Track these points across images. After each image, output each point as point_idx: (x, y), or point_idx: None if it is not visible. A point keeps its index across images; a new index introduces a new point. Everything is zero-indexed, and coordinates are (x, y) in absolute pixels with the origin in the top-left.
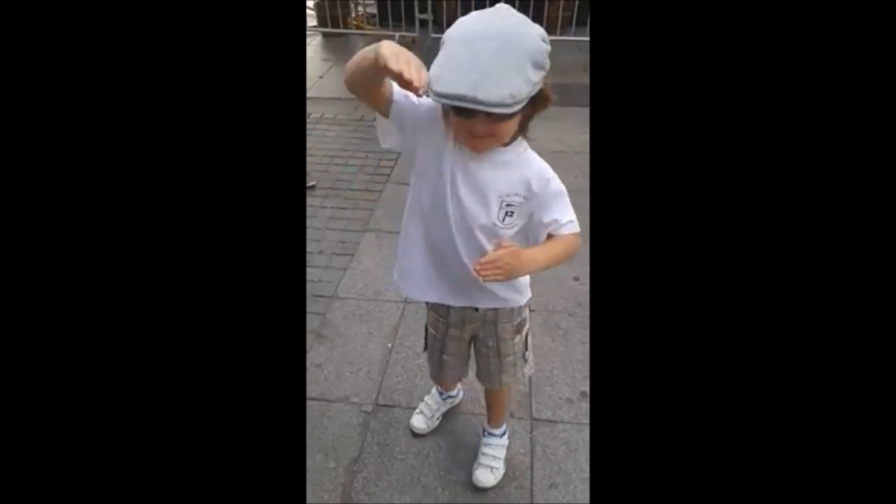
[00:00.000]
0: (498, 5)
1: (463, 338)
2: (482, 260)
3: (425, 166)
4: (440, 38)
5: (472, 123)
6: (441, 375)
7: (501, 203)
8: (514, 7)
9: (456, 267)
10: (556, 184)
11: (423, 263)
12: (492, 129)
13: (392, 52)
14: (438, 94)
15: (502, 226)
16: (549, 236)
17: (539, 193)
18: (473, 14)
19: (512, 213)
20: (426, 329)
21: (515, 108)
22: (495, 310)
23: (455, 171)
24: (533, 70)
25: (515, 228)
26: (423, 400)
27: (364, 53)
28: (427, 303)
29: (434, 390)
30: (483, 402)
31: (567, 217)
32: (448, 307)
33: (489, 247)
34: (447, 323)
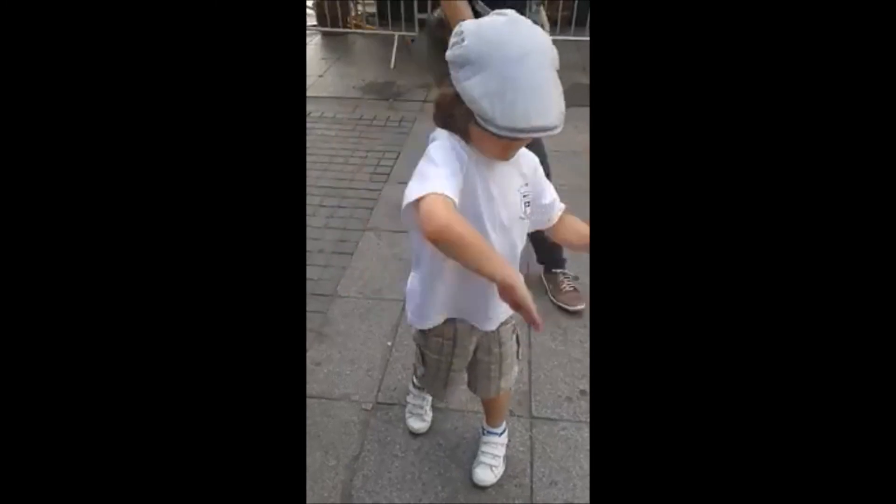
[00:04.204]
0: (508, 13)
1: (469, 349)
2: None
3: None
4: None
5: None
6: (447, 392)
7: (522, 196)
8: None
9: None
10: (539, 164)
11: (450, 294)
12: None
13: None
14: (515, 130)
15: (525, 217)
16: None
17: (535, 179)
18: (494, 31)
19: (528, 203)
20: (422, 355)
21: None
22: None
23: (486, 179)
24: (558, 76)
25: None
26: (408, 402)
27: (478, 258)
28: (422, 331)
29: (411, 387)
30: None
31: (555, 194)
32: (454, 326)
33: (520, 247)
34: (454, 340)
